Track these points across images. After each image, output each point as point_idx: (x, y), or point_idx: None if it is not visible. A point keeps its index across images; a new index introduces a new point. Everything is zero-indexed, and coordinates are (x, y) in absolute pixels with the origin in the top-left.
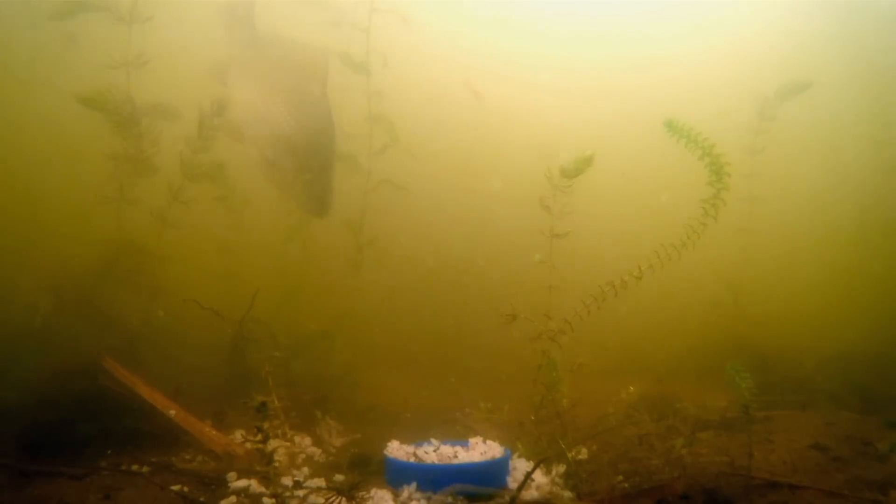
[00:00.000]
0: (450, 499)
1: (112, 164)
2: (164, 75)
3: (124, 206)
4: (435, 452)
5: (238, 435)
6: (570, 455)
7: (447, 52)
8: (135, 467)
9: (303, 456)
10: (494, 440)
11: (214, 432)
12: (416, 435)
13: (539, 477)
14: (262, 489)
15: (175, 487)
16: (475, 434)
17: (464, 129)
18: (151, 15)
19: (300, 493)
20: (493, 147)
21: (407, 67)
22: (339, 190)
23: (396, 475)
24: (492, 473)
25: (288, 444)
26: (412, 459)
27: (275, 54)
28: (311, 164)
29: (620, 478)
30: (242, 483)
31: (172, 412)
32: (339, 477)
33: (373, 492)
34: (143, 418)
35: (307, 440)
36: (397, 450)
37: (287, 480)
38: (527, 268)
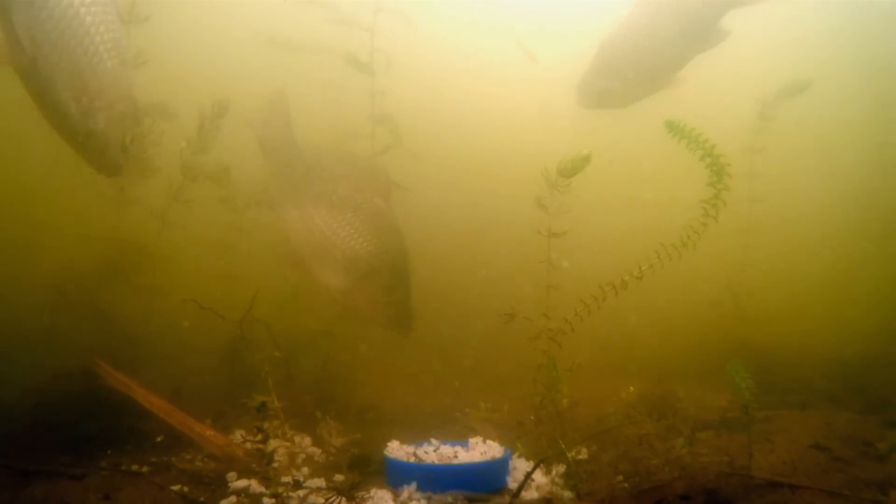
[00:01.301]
0: (450, 499)
1: None
2: (163, 75)
3: (125, 206)
4: (435, 452)
5: (238, 435)
6: (570, 455)
7: (449, 53)
8: (135, 467)
9: (303, 456)
10: (494, 440)
11: (213, 434)
12: (416, 435)
13: (539, 477)
14: (262, 489)
15: (175, 487)
16: (475, 434)
17: (464, 129)
18: (149, 15)
19: (300, 492)
20: (493, 147)
21: (411, 67)
22: None
23: (396, 475)
24: (492, 473)
25: (288, 444)
26: (412, 459)
27: (328, 171)
28: (390, 284)
29: (620, 478)
30: (242, 483)
31: (168, 415)
32: (339, 477)
33: (373, 492)
34: (143, 418)
35: (307, 440)
36: (397, 450)
37: (287, 480)
38: (525, 267)
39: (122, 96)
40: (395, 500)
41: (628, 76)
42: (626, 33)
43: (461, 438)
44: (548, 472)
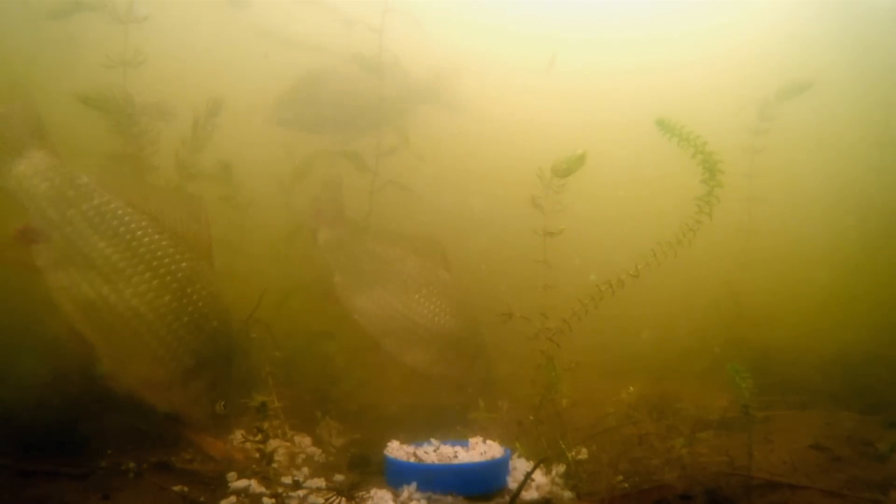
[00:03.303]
0: (450, 499)
1: (111, 162)
2: (161, 75)
3: None
4: (435, 452)
5: (238, 435)
6: (570, 455)
7: (451, 54)
8: (133, 466)
9: (303, 456)
10: (494, 440)
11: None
12: (416, 435)
13: (539, 477)
14: (263, 489)
15: (175, 488)
16: (475, 434)
17: (465, 130)
18: (148, 14)
19: (300, 492)
20: (495, 148)
21: (417, 68)
22: (345, 193)
23: (396, 475)
24: (492, 473)
25: (288, 444)
26: (412, 459)
27: (391, 253)
28: (476, 350)
29: (620, 478)
30: (242, 483)
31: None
32: (339, 477)
33: (373, 492)
34: (142, 418)
35: (307, 440)
36: (397, 450)
37: (287, 480)
38: (523, 267)
39: (196, 375)
40: (395, 500)
41: (317, 111)
42: (320, 77)
43: (461, 438)
44: (548, 472)
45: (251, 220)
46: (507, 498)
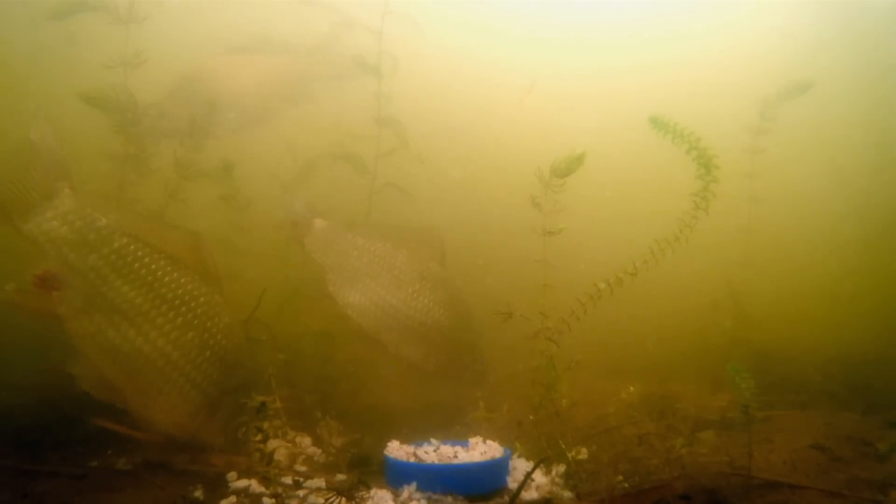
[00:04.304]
0: (450, 499)
1: (111, 162)
2: (160, 74)
3: (123, 205)
4: (435, 452)
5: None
6: (570, 455)
7: (450, 56)
8: (132, 467)
9: (303, 456)
10: (494, 440)
11: None
12: (416, 435)
13: (539, 477)
14: (262, 489)
15: (175, 488)
16: (475, 434)
17: (465, 133)
18: (148, 14)
19: (300, 492)
20: (494, 150)
21: (417, 71)
22: (346, 194)
23: (396, 475)
24: (492, 473)
25: (288, 444)
26: (412, 459)
27: (382, 247)
28: (470, 343)
29: (620, 478)
30: (242, 483)
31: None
32: (339, 477)
33: (373, 492)
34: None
35: (307, 440)
36: (397, 450)
37: (287, 480)
38: (523, 267)
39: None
40: (395, 500)
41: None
42: (209, 71)
43: (461, 438)
44: (548, 472)
45: (251, 220)
46: (507, 498)
